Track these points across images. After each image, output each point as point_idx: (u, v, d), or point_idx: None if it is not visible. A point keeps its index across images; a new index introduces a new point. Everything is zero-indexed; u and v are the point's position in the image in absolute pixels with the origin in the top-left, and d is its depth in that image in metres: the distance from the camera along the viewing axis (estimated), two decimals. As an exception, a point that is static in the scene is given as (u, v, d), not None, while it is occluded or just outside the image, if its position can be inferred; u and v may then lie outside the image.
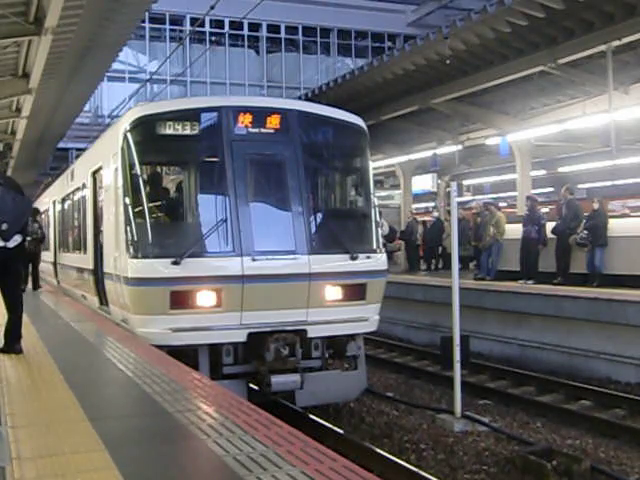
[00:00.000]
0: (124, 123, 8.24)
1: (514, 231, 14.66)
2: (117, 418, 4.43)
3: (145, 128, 8.07)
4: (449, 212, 14.35)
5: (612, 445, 8.09)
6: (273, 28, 40.40)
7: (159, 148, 8.36)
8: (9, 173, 27.36)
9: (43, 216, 20.25)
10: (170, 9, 35.39)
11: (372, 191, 9.09)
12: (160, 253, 7.61)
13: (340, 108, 9.11)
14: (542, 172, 23.33)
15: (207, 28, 37.25)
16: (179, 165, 8.80)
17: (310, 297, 7.96)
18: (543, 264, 14.02)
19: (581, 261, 13.33)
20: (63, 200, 15.06)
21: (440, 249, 19.77)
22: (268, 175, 8.38)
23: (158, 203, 8.41)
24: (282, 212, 8.18)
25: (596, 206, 13.23)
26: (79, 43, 12.26)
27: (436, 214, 21.02)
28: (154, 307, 7.64)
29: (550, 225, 14.00)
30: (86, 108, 27.61)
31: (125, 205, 7.96)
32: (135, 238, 7.78)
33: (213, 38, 38.02)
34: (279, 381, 7.70)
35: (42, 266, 20.18)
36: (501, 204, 23.60)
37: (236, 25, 34.25)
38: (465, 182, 28.36)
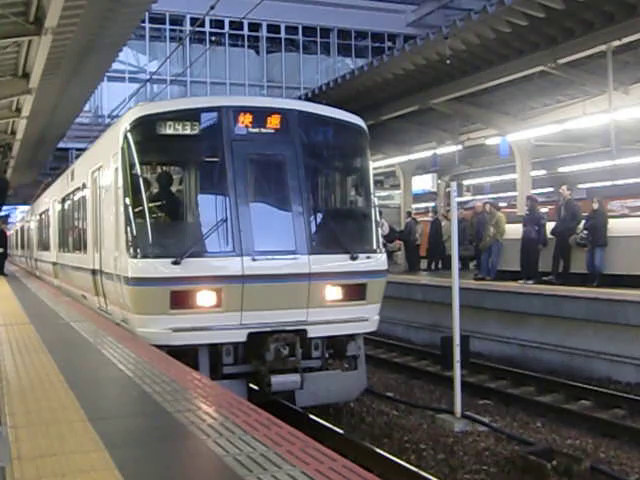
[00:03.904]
0: (124, 123, 8.24)
1: (514, 231, 14.66)
2: (117, 418, 4.43)
3: (145, 128, 8.07)
4: (447, 211, 14.38)
5: (612, 445, 8.09)
6: (273, 28, 40.44)
7: (159, 148, 8.36)
8: (9, 173, 27.41)
9: (43, 216, 20.27)
10: (170, 9, 35.45)
11: (372, 191, 9.09)
12: (160, 253, 7.61)
13: (340, 108, 9.11)
14: (542, 172, 23.34)
15: (207, 28, 37.29)
16: (179, 165, 8.79)
17: (310, 297, 7.96)
18: (543, 264, 14.02)
19: (581, 261, 13.34)
20: (63, 200, 15.05)
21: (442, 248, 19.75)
22: (268, 175, 8.37)
23: (158, 203, 8.41)
24: (282, 212, 8.18)
25: (596, 206, 13.24)
26: (79, 43, 12.26)
27: (431, 214, 21.08)
28: (154, 307, 7.64)
29: (550, 225, 14.00)
30: (86, 108, 27.64)
31: (125, 205, 7.96)
32: (135, 238, 7.78)
33: (213, 38, 38.04)
34: (279, 381, 7.70)
35: (42, 266, 20.25)
36: (501, 204, 23.61)
37: (236, 25, 34.28)
38: (465, 182, 28.39)
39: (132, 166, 7.97)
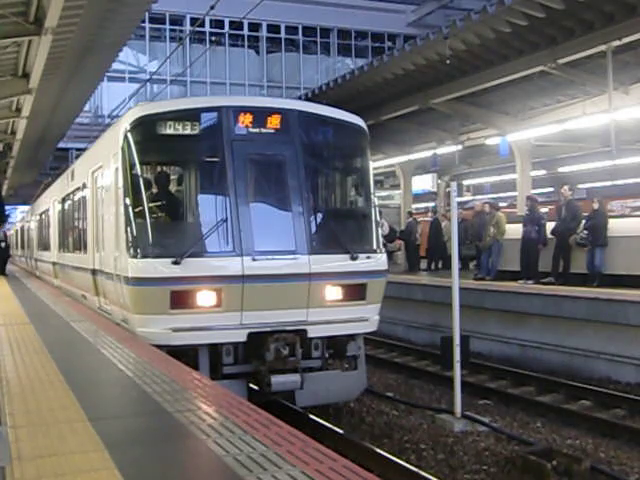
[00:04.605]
0: (124, 123, 8.24)
1: (514, 231, 14.67)
2: (117, 418, 4.43)
3: (145, 128, 8.07)
4: (447, 211, 14.39)
5: (612, 445, 8.09)
6: (273, 28, 40.44)
7: (159, 148, 8.36)
8: (9, 173, 27.42)
9: (43, 216, 20.28)
10: (170, 9, 35.44)
11: (372, 191, 9.09)
12: (160, 253, 7.60)
13: (340, 108, 9.11)
14: (542, 172, 23.34)
15: (207, 28, 37.28)
16: (179, 165, 8.79)
17: (310, 297, 7.96)
18: (543, 264, 14.02)
19: (581, 261, 13.34)
20: (63, 200, 15.06)
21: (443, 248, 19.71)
22: (268, 175, 8.37)
23: (158, 203, 8.41)
24: (282, 212, 8.18)
25: (596, 206, 13.24)
26: (79, 43, 12.25)
27: (430, 214, 21.08)
28: (154, 307, 7.64)
29: (550, 225, 14.00)
30: (86, 108, 27.64)
31: (125, 205, 7.96)
32: (135, 238, 7.78)
33: (213, 38, 38.03)
34: (279, 381, 7.70)
35: (42, 266, 20.25)
36: (501, 204, 23.62)
37: (236, 25, 34.25)
38: (465, 182, 28.39)
39: (132, 166, 7.97)
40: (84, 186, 11.60)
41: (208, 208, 8.18)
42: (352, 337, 8.61)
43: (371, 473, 3.36)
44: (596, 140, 16.73)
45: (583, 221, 13.37)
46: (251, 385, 8.03)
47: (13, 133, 19.33)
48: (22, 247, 30.72)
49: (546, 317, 12.10)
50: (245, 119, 8.11)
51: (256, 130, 8.16)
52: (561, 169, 23.67)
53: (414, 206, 24.69)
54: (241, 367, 7.99)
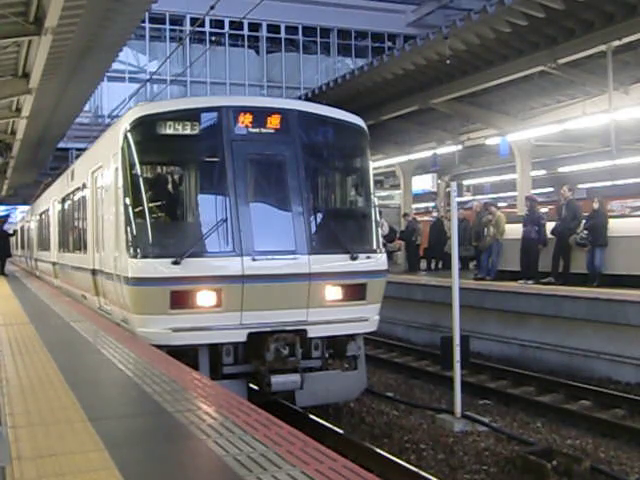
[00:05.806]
0: (124, 123, 8.24)
1: (514, 231, 14.66)
2: (117, 418, 4.43)
3: (145, 128, 8.07)
4: (448, 212, 14.39)
5: (612, 445, 8.08)
6: (273, 28, 40.45)
7: (159, 148, 8.36)
8: (9, 173, 27.41)
9: (43, 216, 20.28)
10: (170, 9, 35.44)
11: (372, 191, 9.10)
12: (160, 253, 7.61)
13: (340, 108, 9.11)
14: (542, 172, 23.35)
15: (207, 28, 37.28)
16: (179, 165, 8.78)
17: (310, 297, 7.97)
18: (543, 264, 14.02)
19: (581, 261, 13.34)
20: (63, 200, 15.06)
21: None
22: (268, 175, 8.38)
23: (158, 203, 8.41)
24: (282, 212, 8.18)
25: (596, 206, 13.23)
26: (79, 43, 12.25)
27: (435, 214, 21.07)
28: (154, 307, 7.65)
29: (550, 225, 14.00)
30: (86, 108, 27.62)
31: (125, 205, 7.96)
32: (135, 238, 7.78)
33: (213, 38, 38.04)
34: (279, 381, 7.70)
35: (42, 266, 20.27)
36: (501, 204, 23.63)
37: (236, 25, 34.23)
38: (465, 182, 28.40)
39: (132, 166, 7.97)
40: (84, 186, 11.60)
41: (208, 208, 8.18)
42: (352, 337, 8.61)
43: (371, 473, 3.36)
44: (596, 140, 16.75)
45: (583, 221, 13.36)
46: (251, 385, 8.03)
47: (13, 133, 19.32)
48: (22, 247, 30.72)
49: (546, 317, 12.10)
50: (245, 119, 8.11)
51: (256, 130, 8.16)
52: (561, 169, 23.68)
53: (414, 206, 24.68)
54: (241, 367, 7.99)
